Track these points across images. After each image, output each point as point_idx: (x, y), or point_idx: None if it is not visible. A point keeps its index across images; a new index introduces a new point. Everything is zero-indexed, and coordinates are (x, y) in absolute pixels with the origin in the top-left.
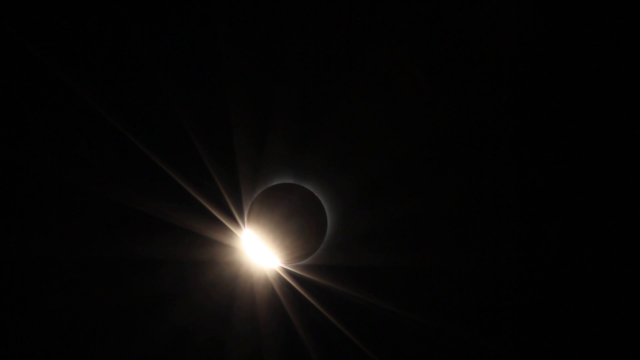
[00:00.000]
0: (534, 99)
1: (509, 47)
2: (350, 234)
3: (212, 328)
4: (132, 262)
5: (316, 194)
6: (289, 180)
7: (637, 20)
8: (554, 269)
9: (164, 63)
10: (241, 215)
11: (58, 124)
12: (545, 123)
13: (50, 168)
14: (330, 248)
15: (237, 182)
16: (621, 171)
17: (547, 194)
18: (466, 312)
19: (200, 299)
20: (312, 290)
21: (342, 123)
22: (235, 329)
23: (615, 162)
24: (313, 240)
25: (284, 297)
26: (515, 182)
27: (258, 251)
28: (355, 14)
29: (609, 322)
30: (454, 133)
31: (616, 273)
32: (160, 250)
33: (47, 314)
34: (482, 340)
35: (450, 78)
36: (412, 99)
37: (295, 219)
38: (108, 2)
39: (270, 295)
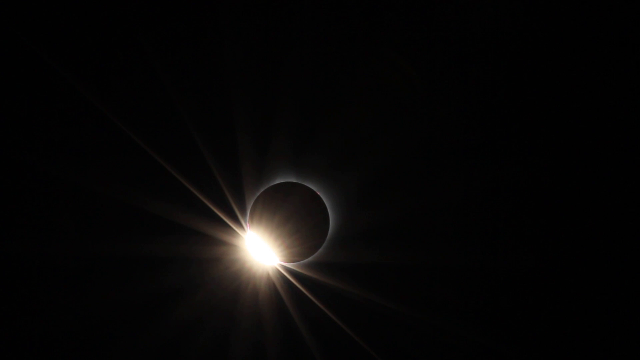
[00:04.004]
0: (534, 99)
1: (508, 47)
2: (352, 232)
3: (217, 323)
4: (140, 260)
5: (318, 193)
6: (291, 179)
7: (637, 20)
8: (554, 269)
9: (168, 65)
10: (244, 215)
11: (64, 126)
12: (545, 123)
13: (55, 169)
14: (332, 246)
15: (240, 182)
16: (621, 171)
17: (547, 194)
18: (466, 310)
19: (205, 296)
20: (313, 288)
21: (344, 123)
22: (238, 324)
23: (615, 162)
24: (315, 238)
25: (285, 294)
26: (515, 182)
27: (261, 249)
28: (355, 15)
29: (609, 322)
30: (453, 133)
31: (616, 273)
32: (167, 249)
33: (55, 312)
34: (482, 339)
35: (449, 79)
36: (412, 99)
37: (298, 217)
38: (113, 2)
39: (272, 292)
